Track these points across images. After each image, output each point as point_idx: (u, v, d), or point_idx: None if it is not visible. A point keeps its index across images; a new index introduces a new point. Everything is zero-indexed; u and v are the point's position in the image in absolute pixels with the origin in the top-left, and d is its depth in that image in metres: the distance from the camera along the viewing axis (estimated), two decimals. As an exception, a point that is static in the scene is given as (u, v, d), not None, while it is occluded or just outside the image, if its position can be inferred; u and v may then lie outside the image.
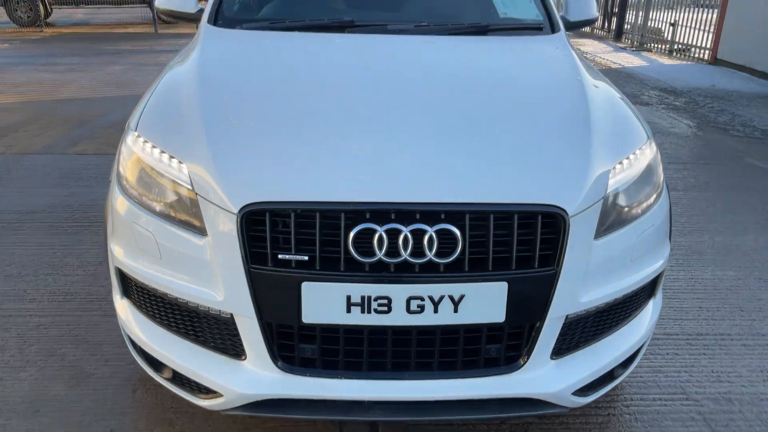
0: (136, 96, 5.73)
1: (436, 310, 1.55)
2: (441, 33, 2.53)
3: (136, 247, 1.73)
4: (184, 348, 1.74)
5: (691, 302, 2.83)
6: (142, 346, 1.81)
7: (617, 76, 8.46)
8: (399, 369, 1.64)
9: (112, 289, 1.93)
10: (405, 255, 1.50)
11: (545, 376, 1.67)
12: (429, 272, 1.53)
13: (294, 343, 1.61)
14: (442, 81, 2.08)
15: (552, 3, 2.82)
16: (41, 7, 12.78)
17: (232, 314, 1.60)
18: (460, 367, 1.64)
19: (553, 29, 2.67)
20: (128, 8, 15.86)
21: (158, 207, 1.68)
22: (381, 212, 1.51)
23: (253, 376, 1.64)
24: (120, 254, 1.78)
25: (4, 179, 4.20)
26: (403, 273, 1.52)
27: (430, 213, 1.52)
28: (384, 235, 1.50)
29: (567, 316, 1.65)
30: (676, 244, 3.39)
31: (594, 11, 2.98)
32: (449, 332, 1.60)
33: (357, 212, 1.51)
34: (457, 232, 1.51)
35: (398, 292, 1.52)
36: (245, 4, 2.81)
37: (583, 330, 1.75)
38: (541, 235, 1.56)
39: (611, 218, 1.71)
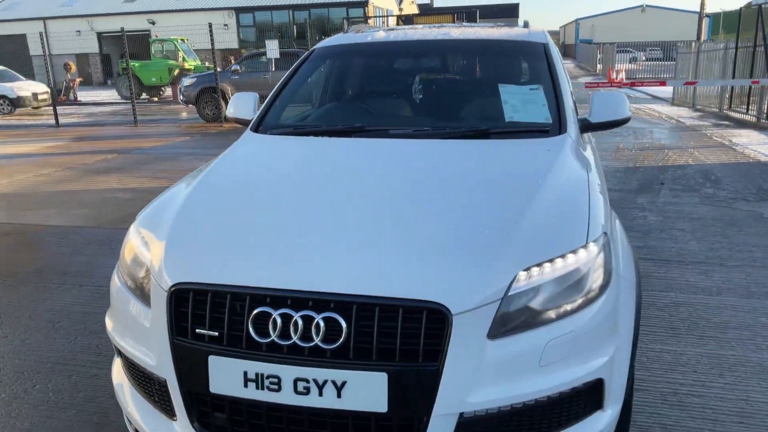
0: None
1: (320, 394, 1.67)
2: (439, 137, 2.69)
3: (116, 316, 2.10)
4: (143, 404, 2.02)
5: None
6: (122, 397, 2.13)
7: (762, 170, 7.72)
8: None
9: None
10: (294, 338, 1.67)
11: None
12: (316, 356, 1.67)
13: (208, 410, 1.82)
14: (403, 183, 2.25)
15: (568, 106, 2.85)
16: (223, 106, 14.93)
17: (165, 379, 1.86)
18: None
19: (561, 131, 2.70)
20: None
21: (131, 283, 2.03)
22: (278, 298, 1.71)
23: None
24: (109, 325, 2.16)
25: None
26: (292, 355, 1.68)
27: (320, 301, 1.68)
28: (278, 319, 1.68)
29: (462, 414, 1.67)
30: None
31: (624, 112, 2.95)
32: (339, 417, 1.70)
33: (258, 297, 1.72)
34: (342, 320, 1.65)
35: (287, 373, 1.68)
36: (289, 117, 3.21)
37: (489, 431, 1.72)
38: (426, 330, 1.63)
39: (516, 320, 1.71)
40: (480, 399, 1.66)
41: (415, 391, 1.64)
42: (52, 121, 16.21)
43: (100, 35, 16.05)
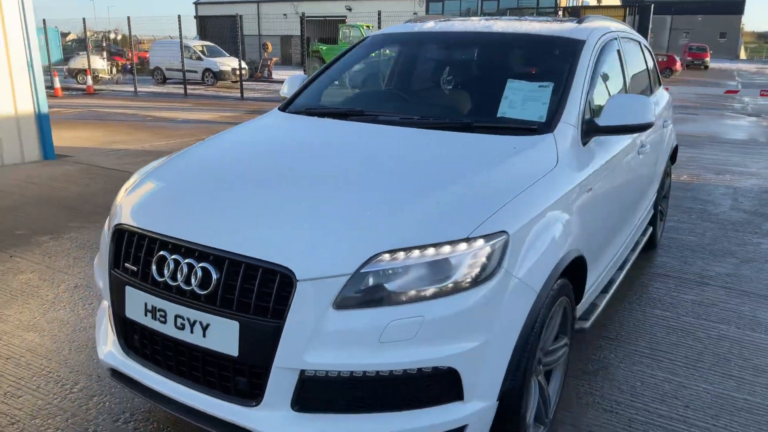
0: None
1: (192, 331, 1.94)
2: (421, 127, 2.76)
3: (99, 254, 2.55)
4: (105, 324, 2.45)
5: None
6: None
7: None
8: (180, 374, 2.05)
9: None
10: (179, 281, 1.96)
11: (276, 420, 1.86)
12: (192, 299, 1.94)
13: (127, 330, 2.18)
14: (347, 163, 2.39)
15: (572, 106, 2.73)
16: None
17: (107, 303, 2.27)
18: (217, 387, 1.96)
19: (550, 130, 2.63)
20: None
21: (106, 225, 2.46)
22: (175, 246, 2.00)
23: (110, 351, 2.26)
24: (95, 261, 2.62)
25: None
26: (177, 295, 1.97)
27: (203, 253, 1.95)
28: (171, 263, 1.98)
29: (303, 371, 1.83)
30: None
31: (644, 116, 2.74)
32: (209, 355, 1.95)
33: (162, 243, 2.03)
34: (214, 271, 1.90)
35: (171, 309, 1.98)
36: (313, 97, 3.45)
37: (334, 394, 1.86)
38: (277, 290, 1.82)
39: (365, 296, 1.82)
40: (317, 360, 1.81)
41: (259, 343, 1.84)
42: (239, 95, 18.22)
43: (302, 18, 17.89)
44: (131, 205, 2.26)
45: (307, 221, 1.97)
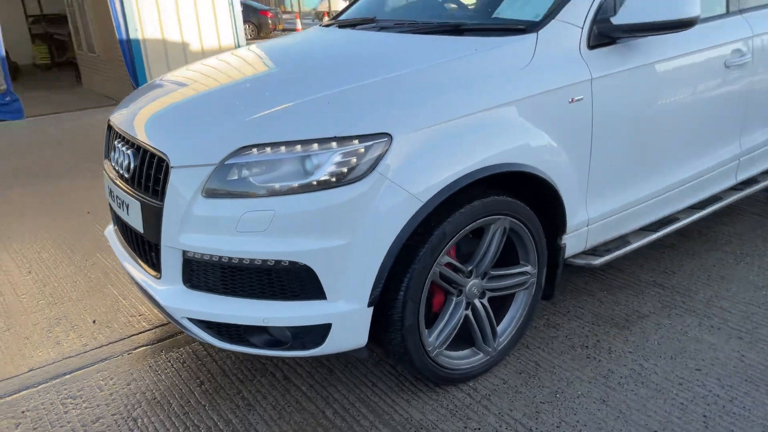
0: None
1: (122, 209, 2.24)
2: (416, 32, 2.60)
3: None
4: None
5: None
6: None
7: None
8: (131, 252, 2.37)
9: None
10: (120, 167, 2.26)
11: (170, 293, 2.07)
12: (122, 182, 2.23)
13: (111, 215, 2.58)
14: (316, 65, 2.39)
15: (577, 1, 2.34)
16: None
17: None
18: (144, 261, 2.25)
19: (536, 30, 2.30)
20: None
21: None
22: (122, 136, 2.30)
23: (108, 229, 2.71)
24: None
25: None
26: (117, 179, 2.28)
27: (130, 142, 2.22)
28: (117, 152, 2.29)
29: (185, 252, 2.01)
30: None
31: (680, 8, 2.21)
32: (135, 232, 2.24)
33: (119, 134, 2.35)
34: (133, 159, 2.16)
35: (115, 191, 2.30)
36: (352, 11, 3.42)
37: (212, 276, 1.99)
38: (163, 176, 2.00)
39: (228, 187, 1.89)
40: (189, 242, 1.95)
41: (152, 222, 2.05)
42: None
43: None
44: (122, 105, 2.62)
45: (197, 114, 2.10)
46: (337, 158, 1.85)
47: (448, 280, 2.13)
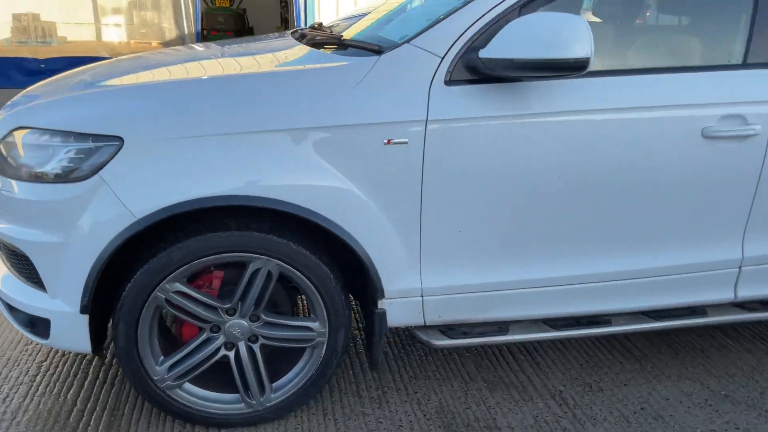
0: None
1: None
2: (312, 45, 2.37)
3: None
4: None
5: None
6: None
7: None
8: None
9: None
10: None
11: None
12: None
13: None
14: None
15: (448, 26, 1.90)
16: None
17: None
18: None
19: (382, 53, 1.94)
20: None
21: None
22: None
23: None
24: None
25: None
26: None
27: None
28: None
29: None
30: None
31: (564, 47, 1.72)
32: None
33: None
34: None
35: None
36: None
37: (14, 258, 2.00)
38: None
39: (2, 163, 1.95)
40: None
41: None
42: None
43: None
44: None
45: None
46: (71, 154, 1.80)
47: (187, 312, 1.93)
